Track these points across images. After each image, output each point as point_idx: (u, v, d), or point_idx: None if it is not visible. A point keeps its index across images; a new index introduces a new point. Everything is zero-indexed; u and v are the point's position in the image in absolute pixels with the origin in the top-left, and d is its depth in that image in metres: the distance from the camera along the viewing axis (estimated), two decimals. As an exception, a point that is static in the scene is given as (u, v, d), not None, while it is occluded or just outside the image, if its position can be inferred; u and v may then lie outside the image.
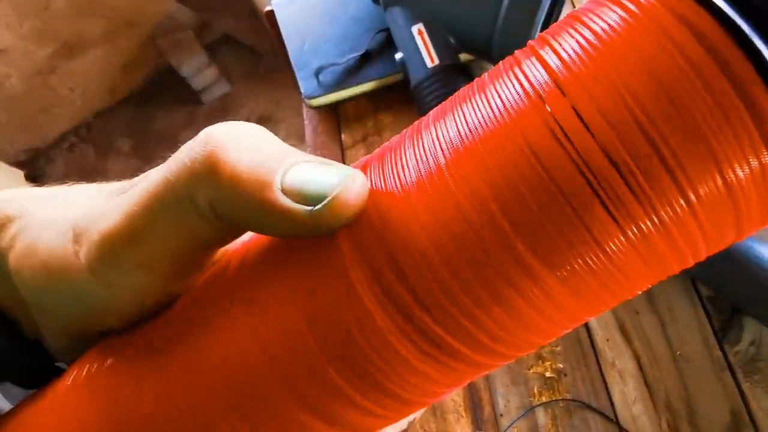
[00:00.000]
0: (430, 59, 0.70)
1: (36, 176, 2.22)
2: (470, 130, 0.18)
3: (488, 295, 0.17)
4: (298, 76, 0.84)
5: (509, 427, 0.63)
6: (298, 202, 0.18)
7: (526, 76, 0.18)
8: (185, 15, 2.25)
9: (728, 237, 0.18)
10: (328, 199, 0.18)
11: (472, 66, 0.82)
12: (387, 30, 0.81)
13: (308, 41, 0.85)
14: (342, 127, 0.85)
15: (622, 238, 0.16)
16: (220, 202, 0.19)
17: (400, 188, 0.18)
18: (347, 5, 0.87)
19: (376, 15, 0.84)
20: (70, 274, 0.21)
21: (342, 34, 0.85)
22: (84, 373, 0.22)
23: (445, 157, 0.18)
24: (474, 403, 0.65)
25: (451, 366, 0.18)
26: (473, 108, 0.18)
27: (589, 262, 0.17)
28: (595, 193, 0.16)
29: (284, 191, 0.18)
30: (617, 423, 0.62)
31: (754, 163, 0.16)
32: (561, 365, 0.65)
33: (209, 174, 0.18)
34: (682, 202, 0.16)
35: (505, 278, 0.17)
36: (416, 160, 0.19)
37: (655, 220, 0.16)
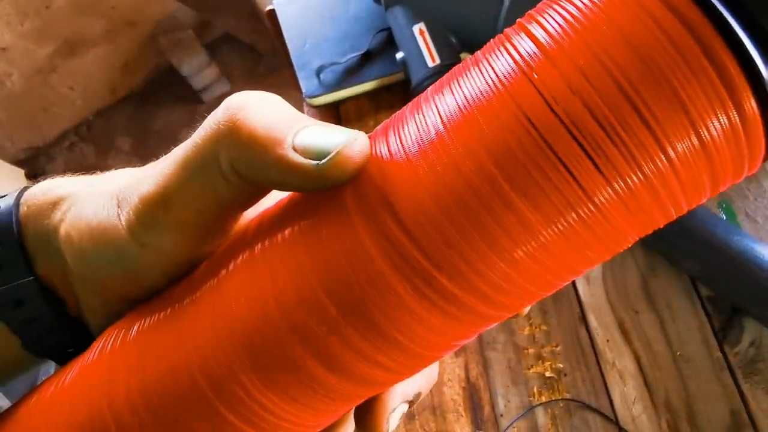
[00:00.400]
0: (431, 59, 0.70)
1: (36, 175, 2.21)
2: (467, 101, 0.19)
3: (486, 245, 0.19)
4: (299, 75, 0.84)
5: (509, 426, 0.63)
6: (306, 158, 0.20)
7: (516, 49, 0.19)
8: (186, 14, 2.25)
9: (704, 190, 0.19)
10: (332, 155, 0.20)
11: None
12: (388, 29, 0.81)
13: (309, 40, 0.85)
14: (343, 126, 0.84)
15: (609, 190, 0.18)
16: (239, 161, 0.21)
17: (402, 153, 0.20)
18: (348, 4, 0.87)
19: (377, 14, 0.84)
20: (113, 235, 0.23)
21: (343, 34, 0.85)
22: (111, 340, 0.24)
23: (444, 126, 0.20)
24: (474, 402, 0.65)
25: (447, 311, 0.20)
26: (469, 80, 0.20)
27: (581, 213, 0.18)
28: (584, 151, 0.18)
29: (295, 149, 0.20)
30: (617, 423, 0.62)
31: (724, 120, 0.17)
32: (561, 365, 0.65)
33: (231, 134, 0.21)
34: (661, 156, 0.18)
35: (502, 228, 0.18)
36: (418, 129, 0.20)
37: (639, 173, 0.18)
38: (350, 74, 0.82)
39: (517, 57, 0.19)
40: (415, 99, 0.22)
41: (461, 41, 0.72)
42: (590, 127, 0.18)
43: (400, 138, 0.21)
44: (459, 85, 0.20)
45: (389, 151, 0.21)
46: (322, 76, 0.82)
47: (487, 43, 0.21)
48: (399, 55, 0.75)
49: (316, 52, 0.84)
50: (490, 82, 0.19)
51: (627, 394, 0.63)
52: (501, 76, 0.19)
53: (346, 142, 0.20)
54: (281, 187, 0.22)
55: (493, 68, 0.20)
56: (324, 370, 0.20)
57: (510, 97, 0.19)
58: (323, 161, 0.20)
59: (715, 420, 0.61)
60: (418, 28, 0.72)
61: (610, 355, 0.65)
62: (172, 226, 0.23)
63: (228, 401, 0.21)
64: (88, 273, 0.25)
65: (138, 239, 0.23)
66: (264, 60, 2.31)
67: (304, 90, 0.84)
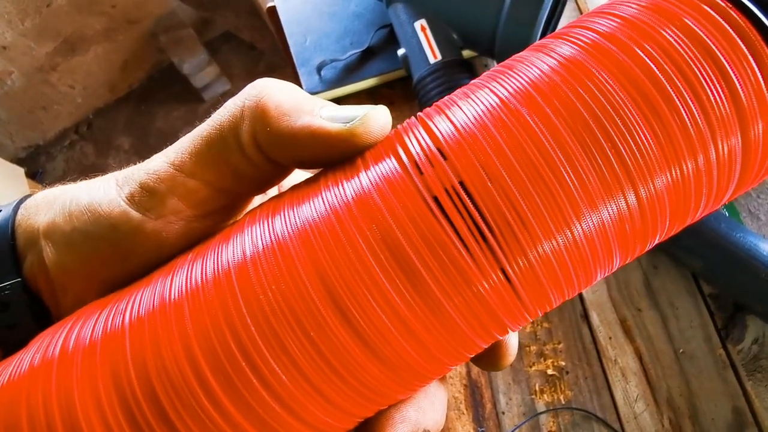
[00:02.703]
0: (433, 55, 0.70)
1: (36, 173, 2.21)
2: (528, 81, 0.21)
3: (546, 209, 0.19)
4: (300, 71, 0.84)
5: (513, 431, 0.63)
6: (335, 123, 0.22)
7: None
8: (186, 12, 2.24)
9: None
10: (361, 115, 0.22)
11: (475, 62, 0.82)
12: (389, 26, 0.81)
13: (310, 37, 0.85)
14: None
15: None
16: (264, 132, 0.22)
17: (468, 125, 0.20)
18: (349, 1, 0.87)
19: (378, 11, 0.84)
20: (108, 209, 0.23)
21: (344, 30, 0.85)
22: (63, 334, 0.21)
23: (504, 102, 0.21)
24: (475, 400, 0.65)
25: (491, 278, 0.19)
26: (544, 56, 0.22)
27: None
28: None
29: (321, 118, 0.22)
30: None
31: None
32: (563, 363, 0.65)
33: (257, 106, 0.22)
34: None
35: (565, 193, 0.19)
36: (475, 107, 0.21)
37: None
38: (351, 71, 0.82)
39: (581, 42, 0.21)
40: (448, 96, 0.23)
41: (463, 38, 0.72)
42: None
43: (464, 113, 0.21)
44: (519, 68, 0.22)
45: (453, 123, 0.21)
46: (322, 72, 0.82)
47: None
48: (400, 52, 0.74)
49: (317, 49, 0.84)
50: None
51: (629, 391, 0.63)
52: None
53: (370, 108, 0.22)
54: (305, 156, 0.22)
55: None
56: (349, 335, 0.19)
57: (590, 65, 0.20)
58: (352, 122, 0.21)
59: (717, 418, 0.61)
60: (420, 25, 0.72)
61: (613, 353, 0.65)
62: (179, 192, 0.23)
63: (230, 385, 0.19)
64: (71, 259, 0.24)
65: (139, 205, 0.23)
66: (264, 58, 2.30)
67: (304, 86, 0.83)
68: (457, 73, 0.70)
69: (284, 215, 0.21)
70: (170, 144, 0.24)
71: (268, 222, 0.21)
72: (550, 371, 0.65)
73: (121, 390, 0.19)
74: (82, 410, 0.19)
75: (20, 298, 0.24)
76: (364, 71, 0.82)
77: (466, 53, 0.77)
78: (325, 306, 0.19)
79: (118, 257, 0.24)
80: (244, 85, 0.23)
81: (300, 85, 0.84)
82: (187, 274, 0.21)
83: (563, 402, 0.63)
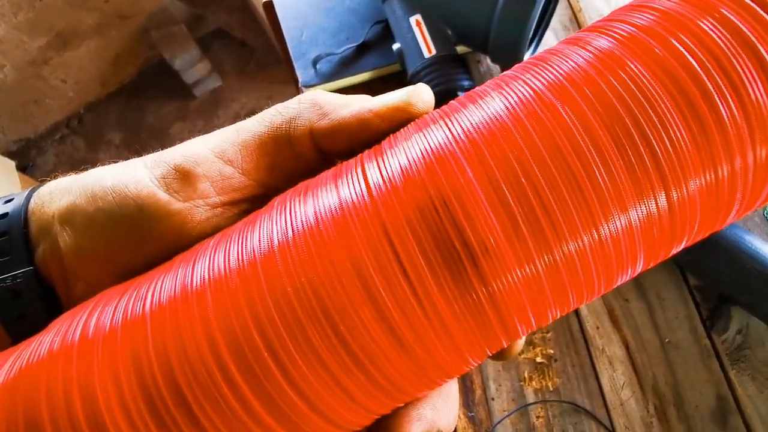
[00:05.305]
0: (428, 50, 0.71)
1: (27, 167, 2.20)
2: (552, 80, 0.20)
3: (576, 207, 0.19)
4: (296, 65, 0.85)
5: (501, 420, 0.64)
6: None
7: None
8: (178, 8, 2.24)
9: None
10: (410, 90, 0.24)
11: (468, 58, 0.83)
12: (384, 21, 0.82)
13: (306, 31, 0.86)
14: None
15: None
16: (324, 119, 0.24)
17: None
18: (345, -4, 0.88)
19: (374, 6, 0.85)
20: (137, 188, 0.23)
21: (339, 25, 0.86)
22: (80, 322, 0.21)
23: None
24: (466, 386, 0.66)
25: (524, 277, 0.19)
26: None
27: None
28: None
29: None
30: (611, 428, 0.63)
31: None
32: (551, 351, 0.67)
33: (315, 102, 0.24)
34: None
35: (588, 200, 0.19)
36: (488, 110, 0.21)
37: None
38: (346, 65, 0.83)
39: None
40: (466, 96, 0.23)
41: (457, 33, 0.73)
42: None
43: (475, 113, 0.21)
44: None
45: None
46: (318, 66, 0.83)
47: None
48: (395, 46, 0.75)
49: (313, 43, 0.85)
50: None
51: (616, 379, 0.64)
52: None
53: (412, 87, 0.25)
54: (363, 137, 0.24)
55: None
56: (381, 329, 0.18)
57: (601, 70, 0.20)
58: (404, 96, 0.24)
59: (701, 405, 0.62)
60: (415, 20, 0.73)
61: (600, 342, 0.66)
62: (213, 177, 0.23)
63: (251, 375, 0.18)
64: (89, 241, 0.24)
65: (169, 187, 0.23)
66: (255, 55, 2.31)
67: (300, 79, 0.84)
68: (451, 67, 0.71)
69: (317, 196, 0.21)
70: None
71: (299, 203, 0.21)
72: (538, 359, 0.66)
73: (141, 377, 0.19)
74: (102, 396, 0.19)
75: (32, 287, 0.24)
76: (360, 65, 0.83)
77: (460, 49, 0.78)
78: (358, 299, 0.18)
79: (138, 240, 0.23)
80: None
81: (296, 78, 0.85)
82: (209, 260, 0.21)
83: (551, 389, 0.65)
